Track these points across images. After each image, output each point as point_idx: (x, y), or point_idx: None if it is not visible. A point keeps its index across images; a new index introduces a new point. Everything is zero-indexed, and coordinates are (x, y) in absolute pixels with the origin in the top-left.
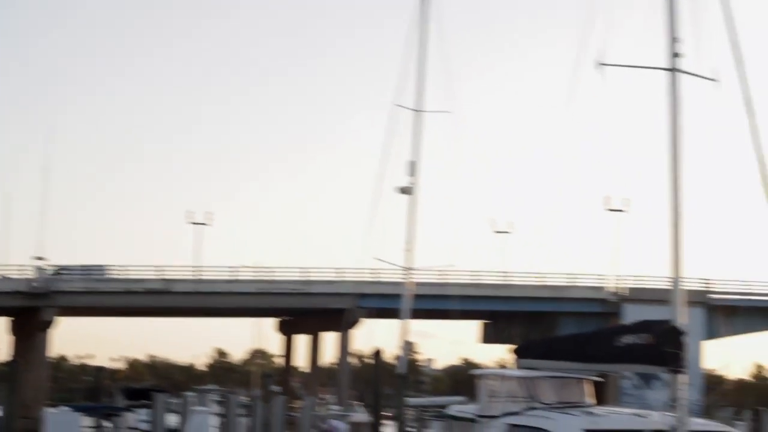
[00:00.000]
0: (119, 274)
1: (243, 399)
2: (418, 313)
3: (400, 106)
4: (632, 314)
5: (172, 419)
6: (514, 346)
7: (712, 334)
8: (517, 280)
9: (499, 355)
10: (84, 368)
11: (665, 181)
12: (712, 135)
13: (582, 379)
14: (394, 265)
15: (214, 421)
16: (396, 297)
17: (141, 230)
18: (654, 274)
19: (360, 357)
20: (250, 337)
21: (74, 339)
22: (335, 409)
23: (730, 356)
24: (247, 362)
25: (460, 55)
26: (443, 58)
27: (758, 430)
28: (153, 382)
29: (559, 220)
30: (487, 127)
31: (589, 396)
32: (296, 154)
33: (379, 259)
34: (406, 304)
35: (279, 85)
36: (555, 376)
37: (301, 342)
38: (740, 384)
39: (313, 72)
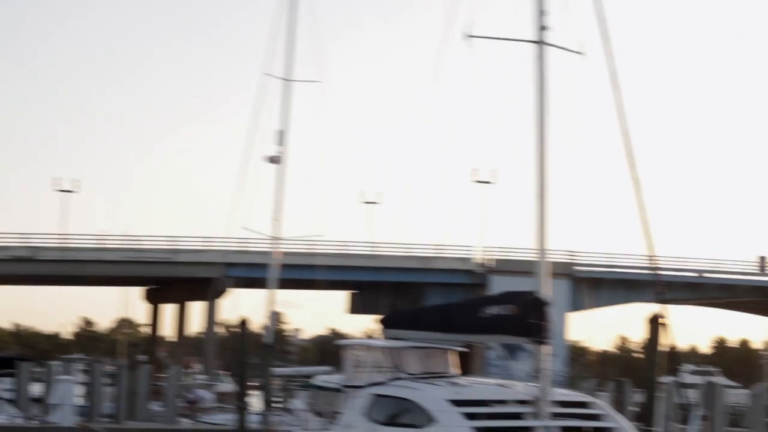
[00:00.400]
0: None
1: (108, 368)
2: (286, 283)
3: (268, 74)
4: (499, 285)
5: (36, 388)
6: (380, 317)
7: (576, 305)
8: (384, 251)
9: (366, 325)
10: None
11: (532, 153)
12: (579, 108)
13: (447, 349)
14: (261, 234)
15: (79, 390)
16: (263, 267)
17: (6, 197)
18: (520, 246)
19: (227, 327)
20: (116, 305)
21: None
22: (201, 378)
23: (594, 328)
24: (113, 331)
25: (330, 24)
26: (313, 27)
27: (620, 401)
28: (18, 351)
29: (427, 192)
30: (357, 97)
31: (453, 366)
32: (165, 122)
33: (247, 229)
34: (273, 274)
35: (149, 52)
36: (420, 346)
37: (168, 311)
38: (604, 355)
39: (183, 40)
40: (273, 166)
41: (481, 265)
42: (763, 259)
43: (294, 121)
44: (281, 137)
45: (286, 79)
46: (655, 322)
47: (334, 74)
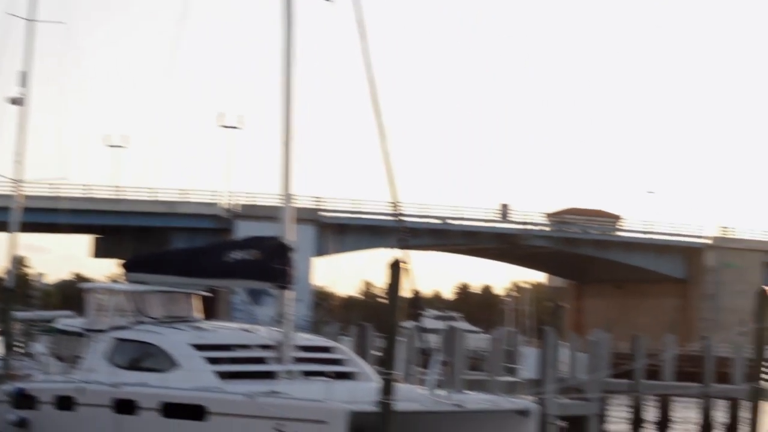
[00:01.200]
0: None
1: None
2: (29, 227)
3: (11, 14)
4: (244, 230)
5: None
6: (123, 261)
7: (321, 251)
8: (129, 195)
9: (111, 269)
10: None
11: (278, 99)
12: (327, 55)
13: (190, 294)
14: (3, 177)
15: None
16: (5, 210)
17: None
18: (266, 191)
19: None
20: None
21: None
22: None
23: (338, 273)
24: None
25: None
26: None
27: (362, 344)
28: None
29: (173, 136)
30: (104, 39)
31: (197, 311)
32: None
33: None
34: (15, 217)
35: None
36: (164, 290)
37: None
38: (348, 300)
39: None
40: (15, 107)
41: (227, 210)
42: (505, 206)
43: (38, 62)
44: (24, 79)
45: (29, 20)
46: (396, 267)
47: (79, 15)
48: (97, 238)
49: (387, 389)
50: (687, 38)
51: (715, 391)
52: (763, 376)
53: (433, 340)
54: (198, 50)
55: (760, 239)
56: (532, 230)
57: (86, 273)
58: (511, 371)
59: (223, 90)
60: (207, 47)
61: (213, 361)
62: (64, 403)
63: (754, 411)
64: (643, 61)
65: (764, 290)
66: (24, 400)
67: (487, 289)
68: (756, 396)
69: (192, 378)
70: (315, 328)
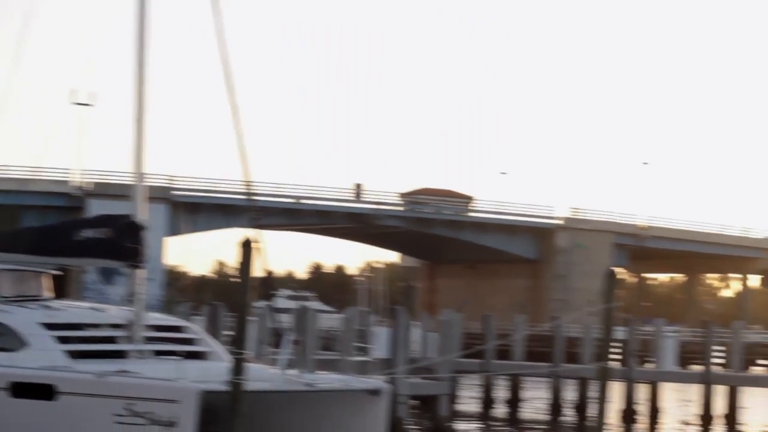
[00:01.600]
0: None
1: None
2: None
3: None
4: (97, 209)
5: None
6: None
7: (174, 230)
8: None
9: None
10: None
11: (131, 75)
12: (181, 32)
13: (41, 272)
14: None
15: None
16: None
17: None
18: (119, 170)
19: None
20: None
21: None
22: None
23: (191, 252)
24: None
25: None
26: None
27: (214, 324)
28: None
29: (23, 112)
30: None
31: (47, 290)
32: None
33: None
34: None
35: None
36: (13, 269)
37: None
38: (200, 279)
39: None
40: None
41: (79, 188)
42: (358, 186)
43: None
44: None
45: None
46: (247, 247)
47: None
48: None
49: (238, 369)
50: (536, 21)
51: (564, 370)
52: (611, 355)
53: (286, 320)
54: (51, 23)
55: (609, 220)
56: (385, 210)
57: None
58: (363, 351)
59: (75, 65)
60: (59, 20)
61: (63, 340)
62: None
63: (602, 390)
64: (496, 43)
65: (613, 271)
66: None
67: (340, 269)
68: (604, 375)
69: (41, 357)
70: (167, 307)
